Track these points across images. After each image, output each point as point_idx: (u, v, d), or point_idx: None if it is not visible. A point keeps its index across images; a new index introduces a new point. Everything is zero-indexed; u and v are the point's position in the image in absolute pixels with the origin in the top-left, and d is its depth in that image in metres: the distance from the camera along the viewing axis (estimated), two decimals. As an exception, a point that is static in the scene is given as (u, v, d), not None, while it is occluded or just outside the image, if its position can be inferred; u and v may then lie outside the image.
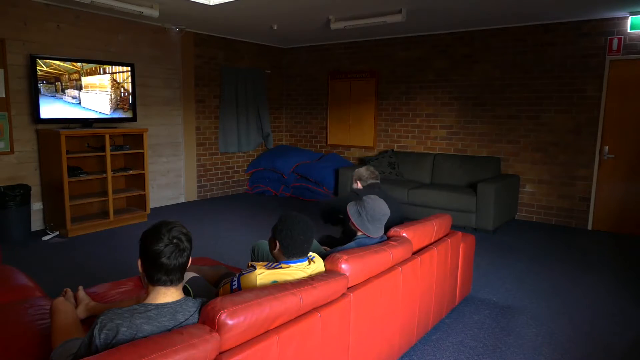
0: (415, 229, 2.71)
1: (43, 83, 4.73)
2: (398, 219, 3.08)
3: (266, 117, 7.67)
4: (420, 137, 6.69)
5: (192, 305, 1.55)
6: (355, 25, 5.51)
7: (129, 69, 5.46)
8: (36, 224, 5.05)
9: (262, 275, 1.90)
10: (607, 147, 5.33)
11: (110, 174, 5.13)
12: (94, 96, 5.16)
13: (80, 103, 5.04)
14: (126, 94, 5.45)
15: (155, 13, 4.98)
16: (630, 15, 4.98)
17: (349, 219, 2.55)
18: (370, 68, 7.05)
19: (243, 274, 1.93)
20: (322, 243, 3.19)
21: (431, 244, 2.86)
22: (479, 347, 2.75)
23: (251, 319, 1.53)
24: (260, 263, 2.03)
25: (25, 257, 4.22)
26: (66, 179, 4.72)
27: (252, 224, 5.51)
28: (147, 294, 1.54)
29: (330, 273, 2.02)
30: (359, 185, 3.41)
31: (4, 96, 4.66)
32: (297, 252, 2.01)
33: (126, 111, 5.47)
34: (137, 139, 5.45)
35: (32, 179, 4.98)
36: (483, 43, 5.99)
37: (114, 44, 5.60)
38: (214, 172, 7.12)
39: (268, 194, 7.40)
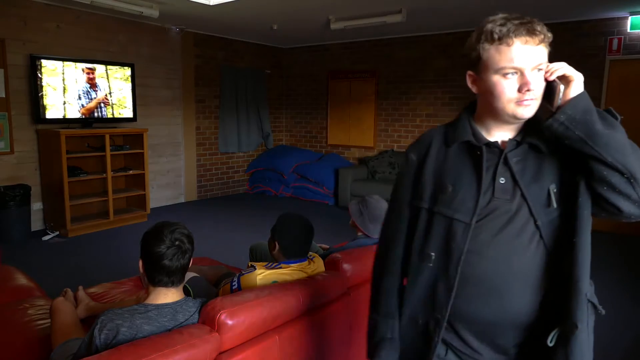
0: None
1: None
2: None
3: (266, 117, 7.67)
4: (420, 137, 6.68)
5: (193, 306, 1.55)
6: (355, 25, 5.51)
7: (129, 68, 5.46)
8: (36, 224, 5.05)
9: (262, 275, 1.90)
10: (607, 147, 5.32)
11: (110, 174, 5.13)
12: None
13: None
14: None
15: (155, 13, 4.98)
16: (630, 15, 4.98)
17: (350, 217, 2.55)
18: (370, 68, 7.04)
19: (243, 274, 1.93)
20: None
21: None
22: (479, 347, 2.74)
23: (251, 319, 1.53)
24: (260, 263, 2.02)
25: (25, 257, 4.22)
26: (66, 179, 4.72)
27: (252, 224, 5.51)
28: (148, 294, 1.54)
29: (330, 273, 2.02)
30: None
31: (4, 96, 4.66)
32: (296, 253, 2.01)
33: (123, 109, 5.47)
34: (137, 139, 5.45)
35: (32, 179, 4.98)
36: (483, 43, 5.98)
37: (114, 44, 5.60)
38: (214, 172, 7.12)
39: (268, 194, 7.40)
